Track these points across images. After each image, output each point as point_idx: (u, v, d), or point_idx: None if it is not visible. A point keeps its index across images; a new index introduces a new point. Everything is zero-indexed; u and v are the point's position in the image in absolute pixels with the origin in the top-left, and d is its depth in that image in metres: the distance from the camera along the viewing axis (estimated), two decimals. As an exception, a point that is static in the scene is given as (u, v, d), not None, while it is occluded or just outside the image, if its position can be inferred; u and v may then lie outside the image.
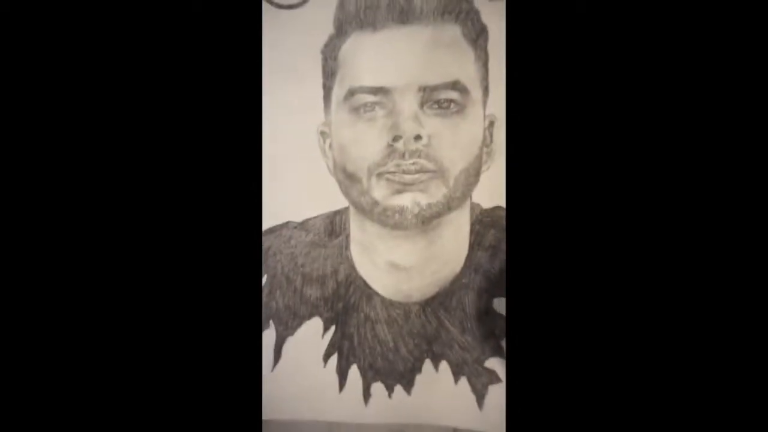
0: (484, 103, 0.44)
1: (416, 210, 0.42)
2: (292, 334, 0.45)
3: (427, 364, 0.43)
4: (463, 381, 0.43)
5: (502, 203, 0.44)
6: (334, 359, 0.44)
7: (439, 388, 0.43)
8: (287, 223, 0.46)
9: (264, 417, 0.42)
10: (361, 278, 0.45)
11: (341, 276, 0.45)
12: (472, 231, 0.44)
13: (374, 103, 0.42)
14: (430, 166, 0.42)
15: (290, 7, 0.46)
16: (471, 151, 0.43)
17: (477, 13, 0.44)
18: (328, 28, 0.45)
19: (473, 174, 0.43)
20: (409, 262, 0.44)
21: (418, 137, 0.41)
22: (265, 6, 0.45)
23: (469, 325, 0.44)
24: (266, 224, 0.47)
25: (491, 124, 0.44)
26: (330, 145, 0.45)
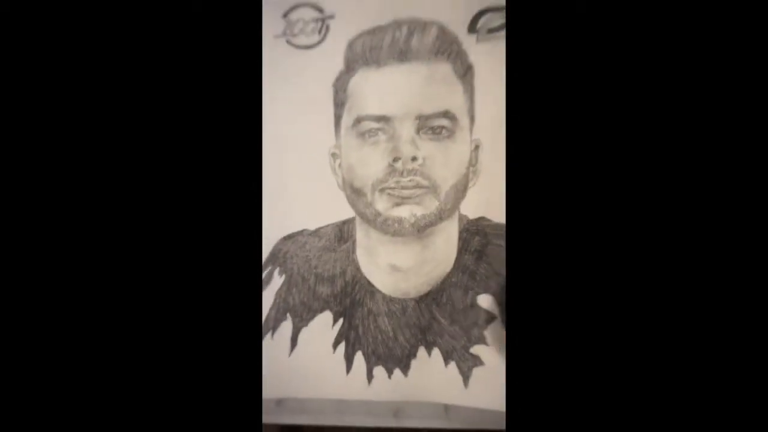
0: (471, 129, 0.46)
1: (413, 220, 0.45)
2: (306, 325, 0.47)
3: (422, 351, 0.45)
4: (452, 364, 0.44)
5: (486, 214, 0.46)
6: (342, 347, 0.46)
7: (431, 370, 0.45)
8: (302, 230, 0.48)
9: (282, 396, 0.46)
10: (365, 278, 0.47)
11: (348, 276, 0.47)
12: (460, 238, 0.46)
13: (377, 129, 0.45)
14: (424, 182, 0.44)
15: (307, 47, 0.49)
16: (459, 170, 0.45)
17: (465, 53, 0.46)
18: (338, 66, 0.48)
19: (461, 189, 0.46)
20: (407, 264, 0.46)
21: (414, 158, 0.44)
22: (287, 47, 0.49)
23: (457, 317, 0.45)
24: (284, 232, 0.48)
25: (476, 147, 0.46)
26: (340, 165, 0.48)
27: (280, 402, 0.46)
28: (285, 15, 0.49)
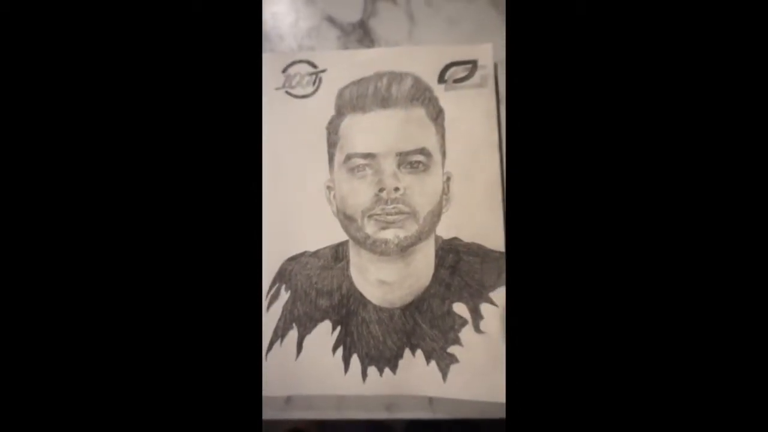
0: (443, 164, 0.51)
1: (396, 241, 0.49)
2: (309, 333, 0.50)
3: (407, 352, 0.49)
4: (433, 363, 0.49)
5: (458, 235, 0.51)
6: (340, 350, 0.50)
7: (416, 368, 0.49)
8: (304, 252, 0.52)
9: (290, 394, 0.50)
10: (358, 291, 0.51)
11: (344, 290, 0.51)
12: (436, 255, 0.50)
13: (365, 165, 0.50)
14: (406, 209, 0.49)
15: (303, 97, 0.54)
16: (434, 199, 0.50)
17: (436, 99, 0.52)
18: (330, 111, 0.53)
19: (437, 214, 0.51)
20: (392, 279, 0.50)
21: (396, 189, 0.49)
22: (286, 97, 0.55)
23: (435, 323, 0.49)
24: (289, 254, 0.52)
25: (448, 178, 0.51)
26: (334, 196, 0.52)
27: (288, 399, 0.50)
28: (284, 70, 0.55)
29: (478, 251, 0.50)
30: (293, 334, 0.51)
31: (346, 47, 0.57)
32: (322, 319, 0.51)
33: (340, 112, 0.53)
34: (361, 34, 0.58)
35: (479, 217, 0.51)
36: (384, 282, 0.51)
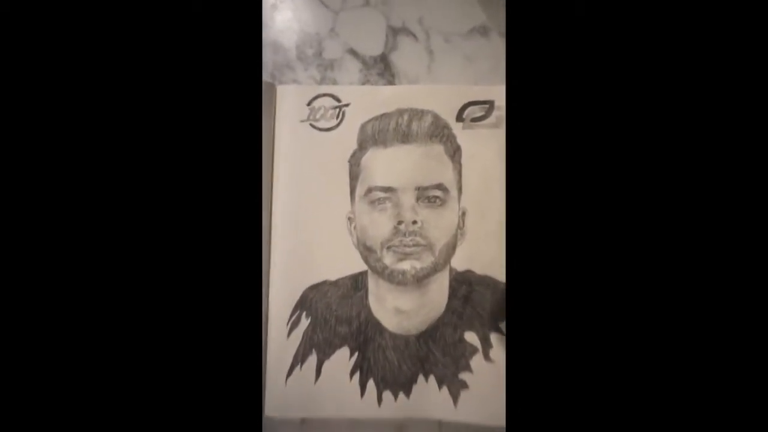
0: (459, 199, 0.53)
1: (413, 272, 0.51)
2: (328, 358, 0.52)
3: (421, 378, 0.51)
4: (444, 388, 0.51)
5: (471, 267, 0.52)
6: (357, 375, 0.51)
7: (428, 393, 0.51)
8: (325, 281, 0.53)
9: (307, 416, 0.52)
10: (375, 319, 0.53)
11: (362, 318, 0.53)
12: (450, 286, 0.52)
13: (385, 198, 0.52)
14: (422, 242, 0.51)
15: (327, 130, 0.56)
16: (450, 232, 0.52)
17: (454, 137, 0.54)
18: (353, 145, 0.55)
19: (452, 247, 0.52)
20: (408, 307, 0.52)
21: (414, 222, 0.51)
22: (310, 129, 0.56)
23: (448, 350, 0.51)
24: (310, 282, 0.53)
25: (463, 213, 0.53)
26: (354, 227, 0.53)
27: (303, 421, 0.52)
28: (309, 103, 0.56)
29: (490, 283, 0.52)
30: (312, 360, 0.52)
31: (367, 80, 0.59)
32: (340, 345, 0.52)
33: (362, 146, 0.54)
34: (382, 67, 0.59)
35: (491, 251, 0.53)
36: (400, 310, 0.52)
